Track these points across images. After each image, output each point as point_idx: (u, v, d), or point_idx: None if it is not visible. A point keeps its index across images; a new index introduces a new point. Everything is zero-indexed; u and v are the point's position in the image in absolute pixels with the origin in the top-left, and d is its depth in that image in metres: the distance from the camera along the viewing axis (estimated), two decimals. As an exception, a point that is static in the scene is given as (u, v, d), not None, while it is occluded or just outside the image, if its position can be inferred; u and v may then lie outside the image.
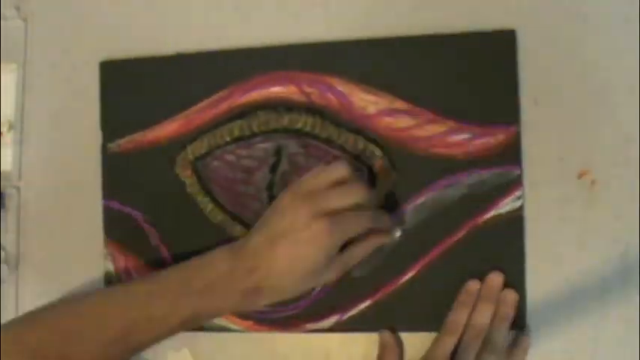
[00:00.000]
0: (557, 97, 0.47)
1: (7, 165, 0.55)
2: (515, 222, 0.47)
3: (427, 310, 0.48)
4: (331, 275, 0.45)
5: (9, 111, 0.55)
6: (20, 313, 0.54)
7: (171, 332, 0.44)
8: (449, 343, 0.45)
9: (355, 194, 0.43)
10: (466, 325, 0.46)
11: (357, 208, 0.43)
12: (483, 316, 0.46)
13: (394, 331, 0.48)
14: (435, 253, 0.48)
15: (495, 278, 0.47)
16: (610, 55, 0.47)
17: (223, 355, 0.51)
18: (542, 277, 0.47)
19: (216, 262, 0.44)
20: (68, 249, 0.54)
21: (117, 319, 0.44)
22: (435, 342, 0.46)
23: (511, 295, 0.46)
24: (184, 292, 0.43)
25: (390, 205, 0.48)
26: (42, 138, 0.55)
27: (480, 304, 0.46)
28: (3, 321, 0.52)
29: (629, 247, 0.46)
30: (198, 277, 0.43)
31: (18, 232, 0.55)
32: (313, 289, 0.49)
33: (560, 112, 0.47)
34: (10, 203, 0.55)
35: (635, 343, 0.46)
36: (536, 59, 0.48)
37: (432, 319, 0.47)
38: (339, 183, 0.44)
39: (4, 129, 0.55)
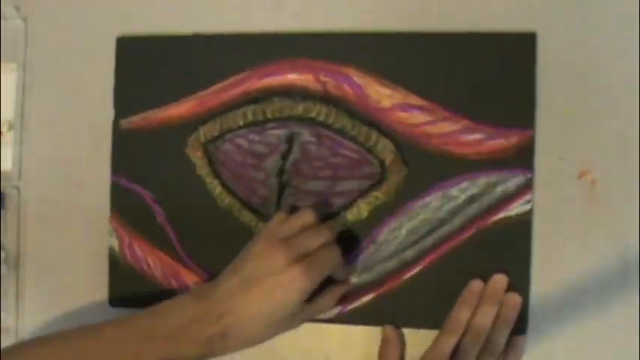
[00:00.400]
0: (557, 97, 0.47)
1: (7, 165, 0.55)
2: (523, 225, 0.47)
3: (430, 307, 0.48)
4: (297, 324, 0.46)
5: (9, 111, 0.55)
6: (20, 313, 0.54)
7: None
8: (449, 342, 0.45)
9: (324, 235, 0.45)
10: (467, 325, 0.46)
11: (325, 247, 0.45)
12: (485, 316, 0.46)
13: (397, 327, 0.49)
14: (441, 250, 0.48)
15: (499, 279, 0.47)
16: (610, 55, 0.47)
17: None
18: (542, 277, 0.47)
19: (181, 309, 0.44)
20: (68, 249, 0.54)
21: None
22: (436, 340, 0.46)
23: (515, 299, 0.46)
24: (149, 337, 0.43)
25: (350, 242, 0.49)
26: (42, 138, 0.55)
27: (482, 305, 0.46)
28: (3, 321, 0.52)
29: (629, 247, 0.46)
30: (162, 323, 0.43)
31: (18, 232, 0.55)
32: None
33: (561, 112, 0.47)
34: (10, 203, 0.55)
35: (635, 343, 0.46)
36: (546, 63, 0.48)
37: (434, 317, 0.47)
38: (306, 228, 0.45)
39: (4, 129, 0.55)
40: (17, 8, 0.56)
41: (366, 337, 0.50)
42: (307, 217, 0.46)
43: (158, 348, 0.43)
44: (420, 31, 0.49)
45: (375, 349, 0.49)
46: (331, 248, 0.45)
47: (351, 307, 0.49)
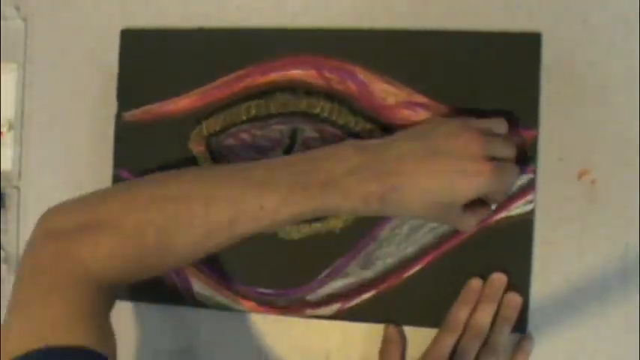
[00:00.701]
0: (557, 98, 0.47)
1: (7, 165, 0.55)
2: (524, 225, 0.47)
3: (431, 305, 0.48)
4: (459, 224, 0.44)
5: (9, 111, 0.55)
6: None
7: (278, 225, 0.42)
8: (448, 341, 0.45)
9: (512, 151, 0.43)
10: (466, 324, 0.46)
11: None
12: (484, 314, 0.46)
13: (398, 325, 0.49)
14: (442, 249, 0.48)
15: (498, 278, 0.47)
16: (610, 55, 0.47)
17: (223, 334, 0.52)
18: (542, 277, 0.47)
19: (343, 159, 0.40)
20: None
21: (226, 204, 0.40)
22: (435, 340, 0.46)
23: (515, 298, 0.46)
24: (302, 184, 0.40)
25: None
26: (42, 138, 0.55)
27: (481, 304, 0.46)
28: (3, 321, 0.52)
29: (629, 247, 0.46)
30: (319, 170, 0.40)
31: (18, 232, 0.55)
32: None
33: (560, 112, 0.47)
34: (10, 203, 0.55)
35: (635, 343, 0.46)
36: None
37: (435, 315, 0.47)
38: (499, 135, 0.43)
39: (4, 129, 0.55)
40: (17, 8, 0.56)
41: (365, 337, 0.50)
42: (502, 127, 0.44)
43: (310, 195, 0.40)
44: (425, 29, 0.49)
45: (375, 348, 0.49)
46: (514, 166, 0.43)
47: (351, 304, 0.49)
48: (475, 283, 0.47)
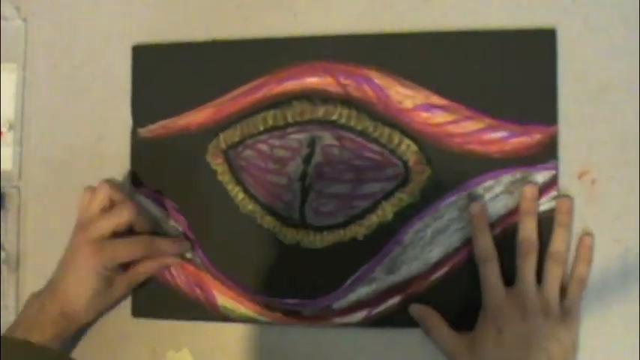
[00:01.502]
0: (557, 98, 0.47)
1: (7, 165, 0.55)
2: (549, 222, 0.46)
3: (458, 308, 0.47)
4: (120, 292, 0.50)
5: (9, 111, 0.55)
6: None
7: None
8: (491, 270, 0.45)
9: (121, 215, 0.49)
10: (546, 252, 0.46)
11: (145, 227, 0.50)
12: (527, 229, 0.46)
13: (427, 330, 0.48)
14: (468, 251, 0.48)
15: (529, 190, 0.46)
16: (610, 55, 0.47)
17: (250, 347, 0.51)
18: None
19: (31, 305, 0.50)
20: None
21: None
22: (482, 277, 0.45)
23: (565, 203, 0.46)
24: (16, 330, 0.48)
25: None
26: (42, 138, 0.55)
27: (521, 219, 0.46)
28: (3, 321, 0.52)
29: (629, 247, 0.46)
30: (23, 317, 0.49)
31: (18, 232, 0.55)
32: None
33: (560, 112, 0.47)
34: (10, 203, 0.55)
35: (635, 342, 0.46)
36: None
37: (462, 318, 0.47)
38: (110, 207, 0.49)
39: (4, 129, 0.55)
40: (17, 8, 0.56)
41: (366, 337, 0.49)
42: (102, 193, 0.49)
43: (25, 336, 0.47)
44: (440, 31, 0.49)
45: (375, 348, 0.49)
46: (136, 238, 0.50)
47: (378, 310, 0.49)
48: (476, 206, 0.47)
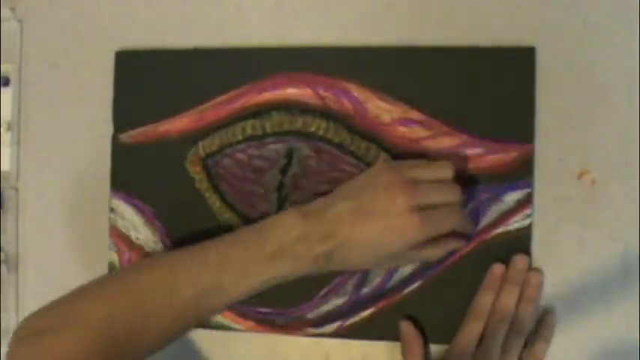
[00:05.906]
0: (557, 98, 0.47)
1: (6, 165, 0.55)
2: (522, 239, 0.47)
3: (431, 320, 0.48)
4: (403, 264, 0.47)
5: (7, 112, 0.55)
6: (20, 313, 0.54)
7: (240, 297, 0.44)
8: (475, 328, 0.45)
9: (453, 195, 0.44)
10: (492, 309, 0.46)
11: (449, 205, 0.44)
12: (509, 296, 0.45)
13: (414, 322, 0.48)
14: (442, 265, 0.48)
15: (520, 259, 0.46)
16: (610, 55, 0.47)
17: (223, 354, 0.52)
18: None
19: (289, 227, 0.43)
20: (68, 248, 0.54)
21: (188, 288, 0.43)
22: (462, 329, 0.46)
23: (536, 277, 0.46)
24: (255, 258, 0.43)
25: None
26: (40, 138, 0.55)
27: (505, 287, 0.46)
28: (3, 321, 0.52)
29: (629, 247, 0.46)
30: (269, 241, 0.43)
31: (17, 233, 0.55)
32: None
33: (560, 113, 0.47)
34: (9, 204, 0.55)
35: (635, 342, 0.46)
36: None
37: (435, 330, 0.47)
38: (439, 180, 0.44)
39: (2, 129, 0.55)
40: (12, 9, 0.55)
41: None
42: (445, 172, 0.44)
43: (264, 267, 0.43)
44: (419, 46, 0.49)
45: (374, 348, 0.49)
46: (454, 210, 0.44)
47: (351, 321, 0.49)
48: (498, 268, 0.47)
